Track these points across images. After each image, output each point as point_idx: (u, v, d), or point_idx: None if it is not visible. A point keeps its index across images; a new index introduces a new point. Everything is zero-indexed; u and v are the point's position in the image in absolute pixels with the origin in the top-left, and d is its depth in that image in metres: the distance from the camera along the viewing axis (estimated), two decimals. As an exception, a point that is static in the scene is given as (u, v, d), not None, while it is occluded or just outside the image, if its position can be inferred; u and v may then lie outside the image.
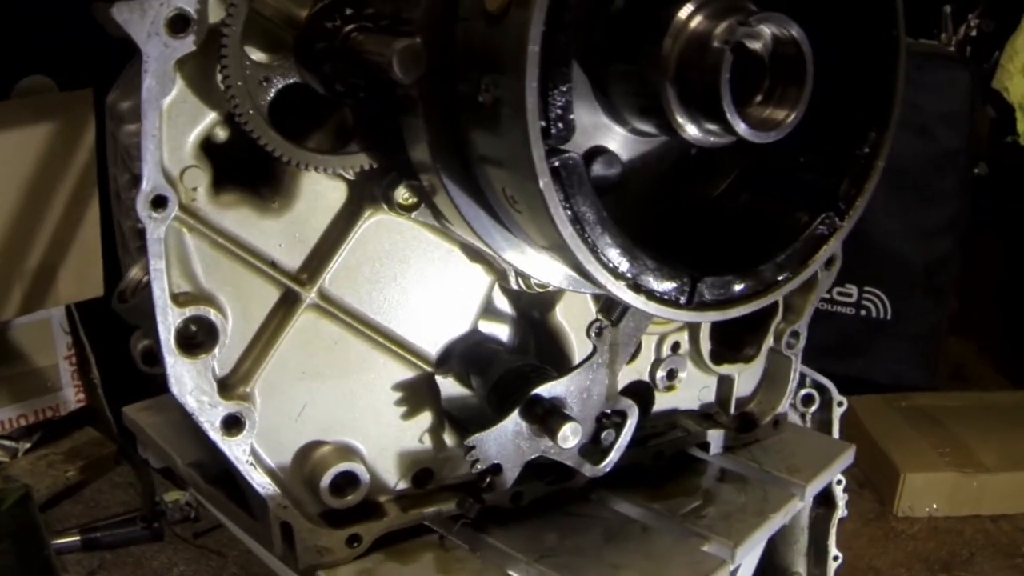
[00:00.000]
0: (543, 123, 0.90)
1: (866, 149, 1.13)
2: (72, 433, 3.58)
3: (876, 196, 3.71)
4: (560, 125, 0.91)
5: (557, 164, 0.92)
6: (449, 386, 1.42)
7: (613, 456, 1.38)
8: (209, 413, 1.21)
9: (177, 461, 1.62)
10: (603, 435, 1.37)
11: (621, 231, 0.97)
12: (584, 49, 1.06)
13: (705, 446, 1.71)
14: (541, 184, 0.90)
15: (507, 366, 1.36)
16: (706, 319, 1.06)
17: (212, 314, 1.18)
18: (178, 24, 1.08)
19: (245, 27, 1.10)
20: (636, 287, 1.00)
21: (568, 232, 0.93)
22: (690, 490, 1.62)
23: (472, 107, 0.97)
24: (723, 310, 1.06)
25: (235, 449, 1.24)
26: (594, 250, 0.96)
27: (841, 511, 2.03)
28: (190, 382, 1.19)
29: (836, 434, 1.97)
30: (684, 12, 1.02)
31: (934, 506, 3.36)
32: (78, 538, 3.09)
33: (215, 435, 1.22)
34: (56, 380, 3.51)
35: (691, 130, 1.03)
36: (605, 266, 0.97)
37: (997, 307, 4.71)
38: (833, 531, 2.03)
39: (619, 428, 1.38)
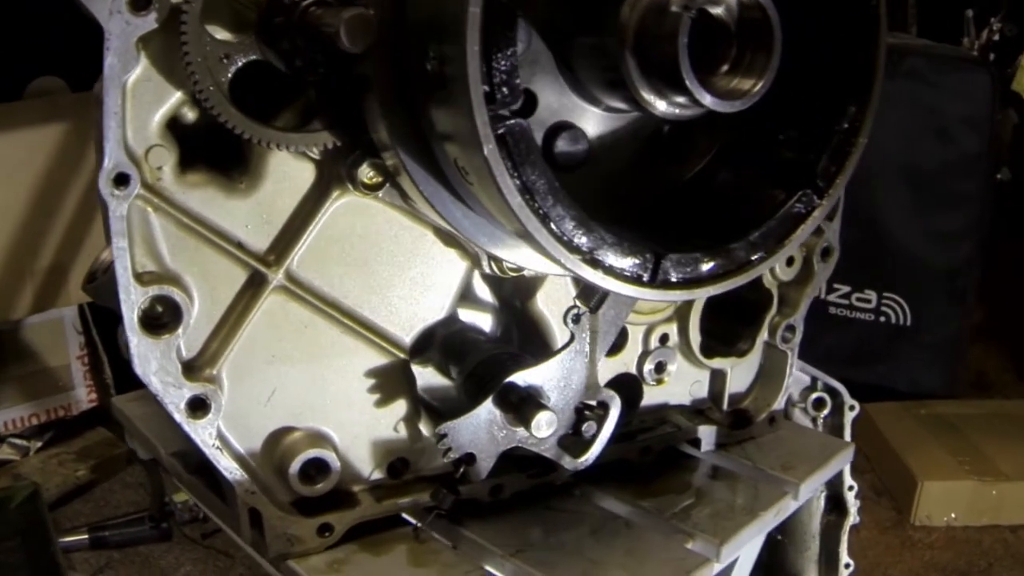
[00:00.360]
0: (486, 88, 0.87)
1: (845, 125, 1.09)
2: (84, 433, 3.59)
3: (896, 200, 3.65)
4: (505, 90, 0.88)
5: (503, 131, 0.89)
6: (429, 376, 1.39)
7: (595, 449, 1.34)
8: (174, 395, 1.19)
9: (161, 451, 1.61)
10: (584, 427, 1.34)
11: (575, 203, 0.93)
12: (547, 23, 1.04)
13: (696, 442, 1.67)
14: (486, 151, 0.88)
15: (484, 354, 1.34)
16: (670, 298, 1.02)
17: (176, 294, 1.17)
18: (140, 1, 1.08)
19: (209, 6, 1.09)
20: (593, 262, 0.96)
21: (516, 202, 0.90)
22: (679, 488, 1.58)
23: (422, 78, 0.95)
24: (689, 289, 1.02)
25: (201, 432, 1.23)
26: (545, 221, 0.93)
27: (853, 518, 1.98)
28: (154, 362, 1.17)
29: (848, 439, 1.91)
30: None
31: (952, 515, 3.28)
32: (86, 536, 3.09)
33: (180, 417, 1.21)
34: (68, 380, 3.53)
35: (656, 103, 1.00)
36: (559, 239, 0.94)
37: (1020, 314, 4.60)
38: (844, 538, 1.99)
39: (601, 420, 1.34)
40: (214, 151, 1.21)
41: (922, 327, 3.90)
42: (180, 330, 1.18)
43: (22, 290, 3.28)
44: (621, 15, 0.97)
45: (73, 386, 3.54)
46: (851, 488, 1.96)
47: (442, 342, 1.38)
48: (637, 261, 0.99)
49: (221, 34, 1.12)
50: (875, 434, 3.52)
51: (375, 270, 1.29)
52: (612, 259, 0.97)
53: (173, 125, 1.17)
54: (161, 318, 1.19)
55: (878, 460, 3.54)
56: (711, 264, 1.03)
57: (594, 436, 1.34)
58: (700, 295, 1.04)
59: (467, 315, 1.41)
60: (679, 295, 1.02)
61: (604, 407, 1.34)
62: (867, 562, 3.11)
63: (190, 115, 1.18)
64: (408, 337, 1.35)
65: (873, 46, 1.10)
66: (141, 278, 1.16)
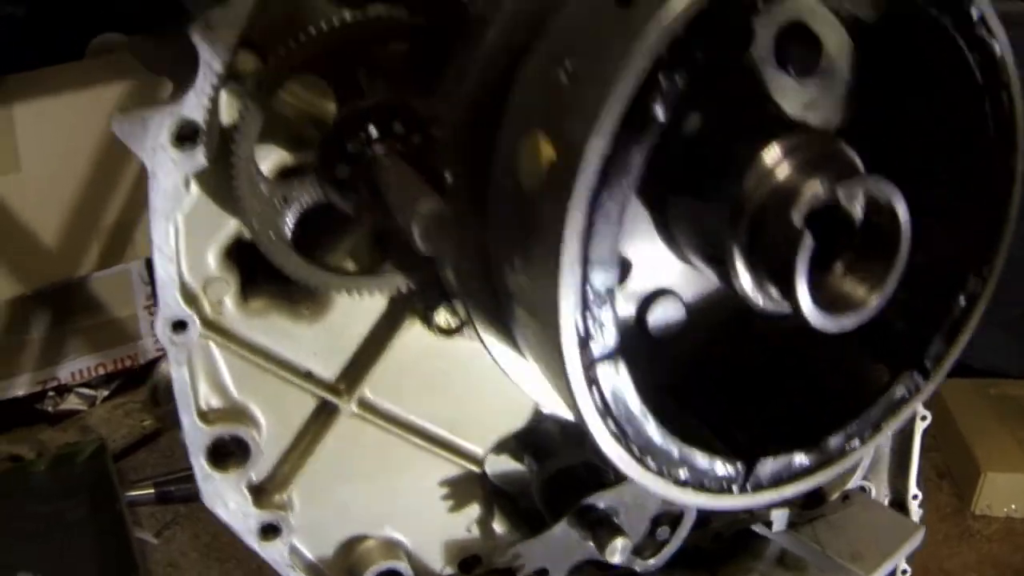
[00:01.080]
0: (581, 334, 0.76)
1: (963, 301, 0.99)
2: (150, 382, 3.63)
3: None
4: (603, 336, 0.77)
5: (595, 376, 0.80)
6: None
7: (666, 553, 1.34)
8: (244, 522, 1.18)
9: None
10: (658, 531, 1.33)
11: (672, 434, 0.85)
12: (643, 177, 0.93)
13: (768, 522, 1.62)
14: (579, 404, 0.79)
15: (563, 462, 1.30)
16: (755, 503, 0.94)
17: (242, 431, 1.13)
18: (186, 136, 0.98)
19: (262, 132, 0.97)
20: (682, 484, 0.89)
21: (610, 449, 0.82)
22: (745, 572, 1.55)
23: (502, 288, 0.86)
24: (779, 489, 0.95)
25: (273, 553, 1.21)
26: (642, 460, 0.84)
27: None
28: (223, 495, 1.15)
29: (917, 448, 1.84)
30: (770, 157, 0.85)
31: (1012, 507, 3.21)
32: (152, 491, 3.13)
33: (251, 541, 1.19)
34: (135, 330, 3.54)
35: (757, 297, 0.89)
36: (648, 469, 0.86)
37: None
38: (904, 544, 1.94)
39: (675, 524, 1.33)
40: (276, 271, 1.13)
41: (999, 303, 3.72)
42: (248, 464, 1.15)
43: (88, 247, 3.28)
44: (741, 194, 0.84)
45: (140, 336, 3.55)
46: (915, 497, 1.91)
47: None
48: (729, 474, 0.91)
49: (278, 154, 1.03)
50: (943, 412, 3.42)
51: (451, 390, 1.24)
52: (702, 476, 0.89)
53: (232, 250, 1.10)
54: (228, 446, 1.15)
55: (943, 441, 3.45)
56: (805, 460, 0.96)
57: (666, 541, 1.33)
58: (787, 495, 0.95)
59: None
60: (767, 497, 0.94)
61: (679, 513, 1.32)
62: (923, 552, 3.05)
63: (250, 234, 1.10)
64: (483, 450, 1.30)
65: (1004, 209, 0.98)
66: (206, 417, 1.12)
